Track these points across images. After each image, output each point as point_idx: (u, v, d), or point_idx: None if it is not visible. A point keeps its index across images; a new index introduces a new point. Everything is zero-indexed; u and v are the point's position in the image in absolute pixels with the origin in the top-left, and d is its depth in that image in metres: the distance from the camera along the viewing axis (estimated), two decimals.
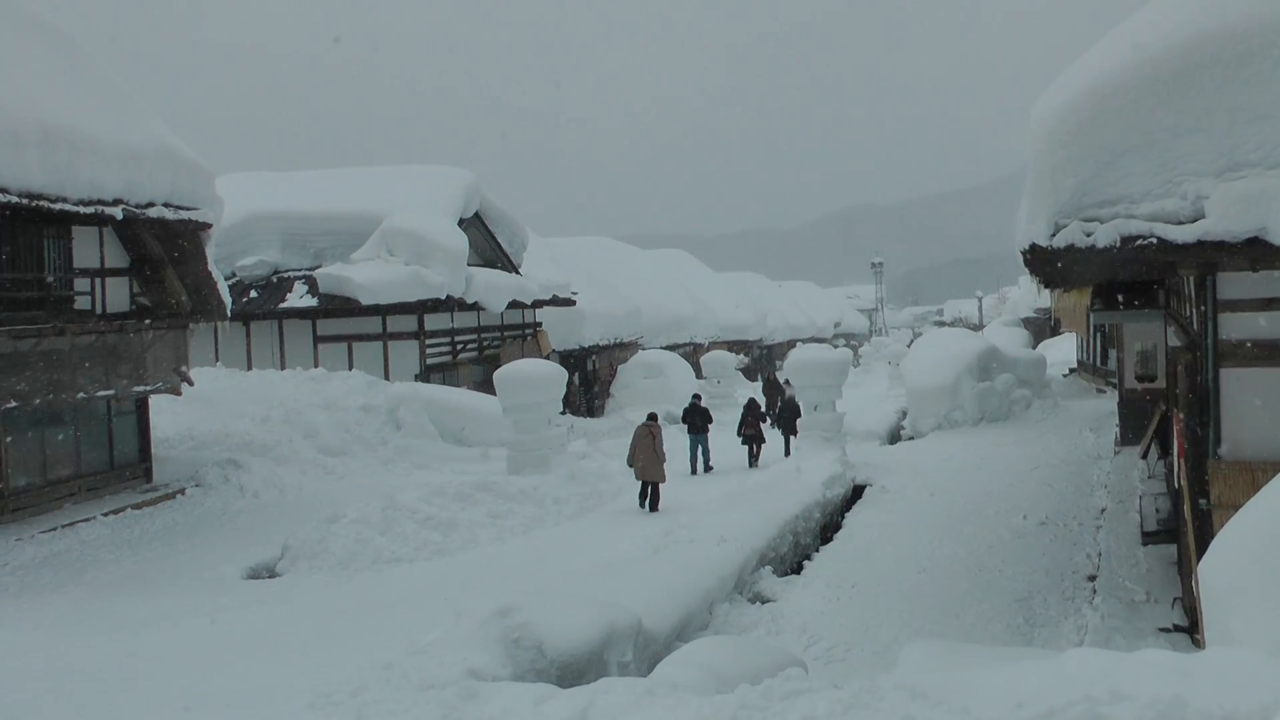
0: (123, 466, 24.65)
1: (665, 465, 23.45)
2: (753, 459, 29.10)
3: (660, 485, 23.34)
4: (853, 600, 16.20)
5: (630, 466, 23.51)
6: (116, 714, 10.80)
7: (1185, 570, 13.88)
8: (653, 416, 24.84)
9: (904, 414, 38.23)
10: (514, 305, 41.94)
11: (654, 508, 23.03)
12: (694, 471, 27.95)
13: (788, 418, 29.82)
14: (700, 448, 28.38)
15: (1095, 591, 15.53)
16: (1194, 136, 10.69)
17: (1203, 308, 11.81)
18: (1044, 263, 12.38)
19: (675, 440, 28.88)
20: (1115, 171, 11.02)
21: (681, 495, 23.94)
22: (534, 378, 26.77)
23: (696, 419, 28.37)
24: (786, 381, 31.38)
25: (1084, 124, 11.31)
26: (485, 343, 42.44)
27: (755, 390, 44.80)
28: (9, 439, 21.51)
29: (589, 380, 50.94)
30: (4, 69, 20.28)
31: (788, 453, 29.29)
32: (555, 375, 27.25)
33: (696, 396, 29.77)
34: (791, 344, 76.25)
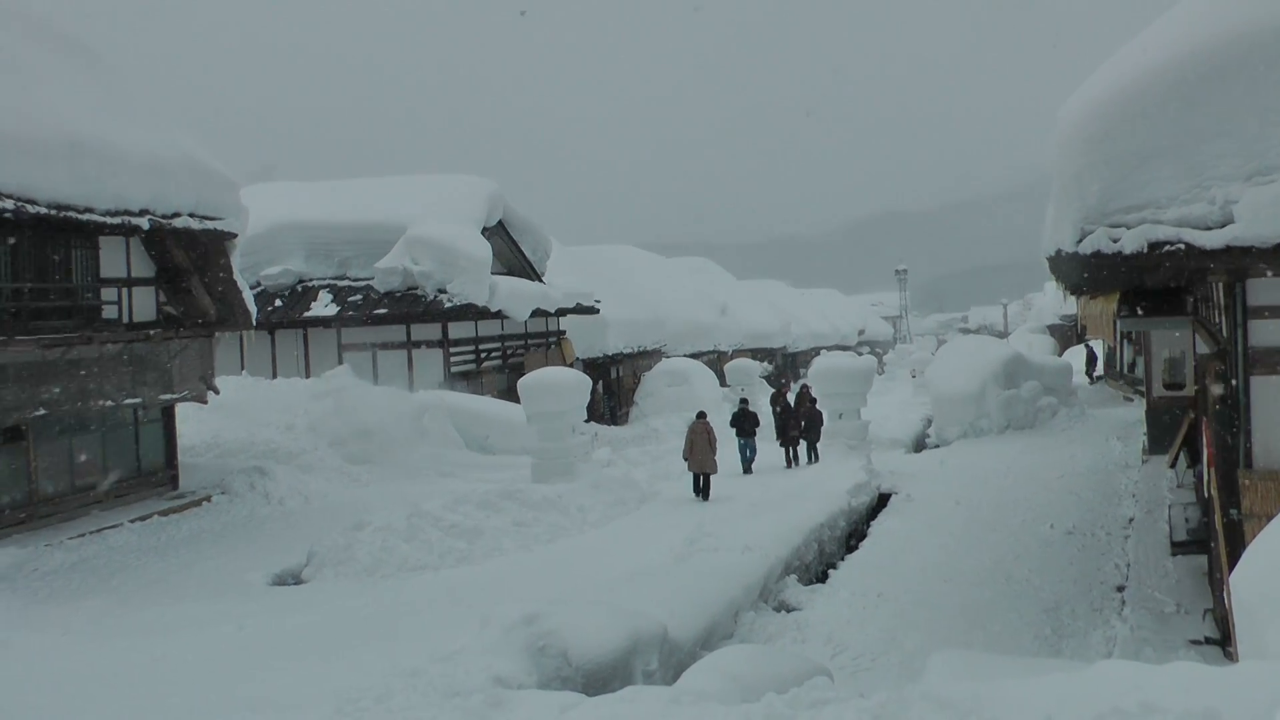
0: (149, 473, 24.76)
1: (717, 458, 25.13)
2: (791, 461, 29.18)
3: (712, 476, 24.96)
4: (878, 609, 16.13)
5: (685, 460, 25.14)
6: (144, 719, 10.84)
7: (1216, 581, 13.78)
8: (702, 414, 26.08)
9: (929, 422, 38.14)
10: (538, 313, 41.89)
11: (706, 496, 24.62)
12: (746, 470, 28.50)
13: (812, 425, 29.77)
14: (748, 449, 28.80)
15: (1124, 602, 15.43)
16: (1222, 140, 10.60)
17: (1232, 314, 11.72)
18: (1070, 269, 12.34)
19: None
20: (1142, 176, 10.94)
21: (725, 490, 25.13)
22: (558, 386, 26.75)
23: (745, 423, 28.81)
24: (803, 387, 31.47)
25: (1110, 128, 11.24)
26: (509, 351, 42.46)
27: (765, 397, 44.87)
28: (38, 446, 21.62)
29: (613, 388, 50.93)
30: (31, 83, 20.44)
31: (810, 459, 29.34)
32: (579, 383, 27.23)
33: (744, 401, 30.15)
34: (815, 352, 76.15)
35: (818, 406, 29.86)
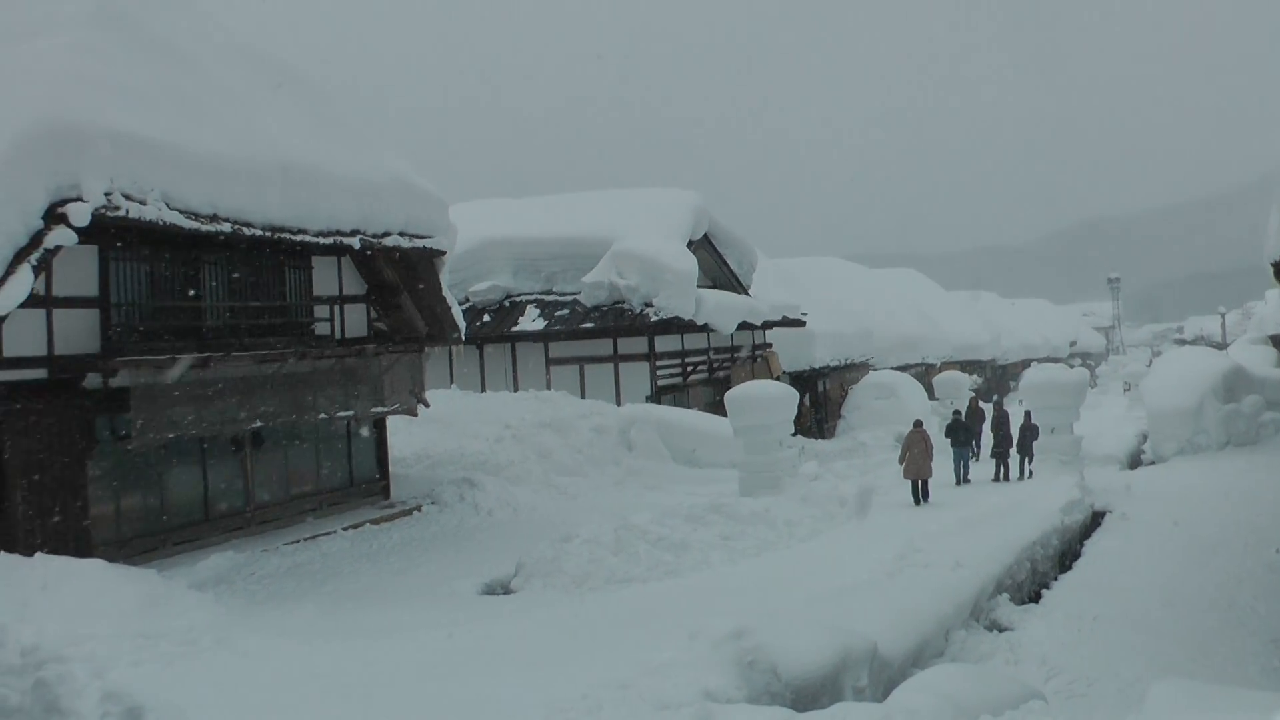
0: (361, 483, 25.49)
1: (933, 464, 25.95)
2: (1001, 475, 28.79)
3: (929, 481, 25.75)
4: (1094, 632, 15.66)
5: (900, 464, 25.85)
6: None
7: None
8: (919, 423, 26.41)
9: (1144, 437, 37.07)
10: (744, 326, 41.86)
11: (924, 500, 25.48)
12: (959, 482, 28.43)
13: (1025, 440, 29.20)
14: (963, 460, 28.79)
15: None
16: None
17: None
18: None
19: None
20: None
21: (937, 499, 25.72)
22: (765, 399, 26.73)
23: (959, 433, 28.83)
24: (996, 402, 31.14)
25: None
26: (715, 364, 42.51)
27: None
28: (255, 457, 22.49)
29: (819, 401, 50.60)
30: (247, 111, 21.29)
31: (1022, 474, 28.84)
32: (786, 396, 27.16)
33: (957, 413, 30.15)
34: (1026, 364, 74.63)
35: (1033, 420, 29.29)
